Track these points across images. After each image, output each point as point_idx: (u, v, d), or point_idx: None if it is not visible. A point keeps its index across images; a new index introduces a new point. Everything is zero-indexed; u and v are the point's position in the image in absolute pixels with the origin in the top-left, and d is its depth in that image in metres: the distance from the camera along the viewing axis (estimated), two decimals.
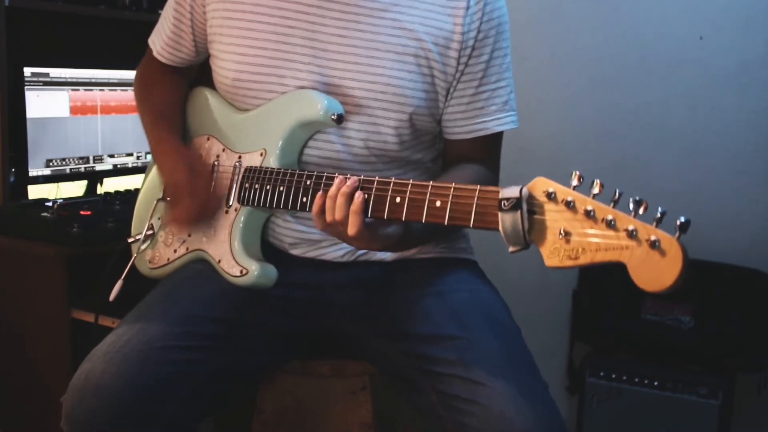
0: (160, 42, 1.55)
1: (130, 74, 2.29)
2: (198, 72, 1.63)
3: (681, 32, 2.43)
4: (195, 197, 1.37)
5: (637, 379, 2.30)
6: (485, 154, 1.43)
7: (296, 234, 1.41)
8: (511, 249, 1.03)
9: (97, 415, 1.19)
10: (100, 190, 2.29)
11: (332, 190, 1.19)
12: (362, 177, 1.20)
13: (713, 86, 2.41)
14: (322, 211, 1.20)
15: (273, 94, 1.38)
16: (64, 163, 2.16)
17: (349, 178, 1.19)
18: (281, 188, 1.31)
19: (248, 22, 1.38)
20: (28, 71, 2.06)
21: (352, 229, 1.16)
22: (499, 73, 1.39)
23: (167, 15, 1.52)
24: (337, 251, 1.42)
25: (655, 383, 2.28)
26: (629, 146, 2.50)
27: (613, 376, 2.33)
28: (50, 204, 1.94)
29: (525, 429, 1.13)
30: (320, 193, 1.21)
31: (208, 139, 1.48)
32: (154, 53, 1.57)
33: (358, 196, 1.17)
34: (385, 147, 1.38)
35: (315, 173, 1.28)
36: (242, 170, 1.39)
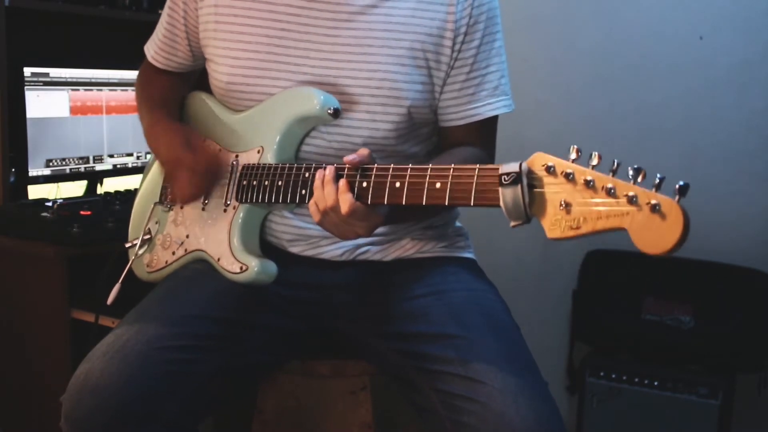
0: (154, 47, 1.57)
1: (130, 74, 2.30)
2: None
3: (681, 32, 2.44)
4: (195, 169, 1.37)
5: (637, 379, 2.31)
6: (480, 140, 1.43)
7: (294, 230, 1.41)
8: (512, 224, 1.04)
9: (96, 414, 1.19)
10: (100, 190, 2.29)
11: (316, 182, 1.22)
12: (360, 165, 1.22)
13: (713, 86, 2.41)
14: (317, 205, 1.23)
15: (267, 96, 1.38)
16: (64, 163, 2.16)
17: (327, 167, 1.22)
18: (279, 183, 1.31)
19: (240, 25, 1.39)
20: (28, 71, 2.06)
21: (344, 207, 1.18)
22: (488, 59, 1.40)
23: (162, 21, 1.54)
24: (336, 250, 1.42)
25: (655, 383, 2.28)
26: (629, 146, 2.50)
27: (613, 376, 2.33)
28: (50, 204, 1.94)
29: (524, 427, 1.13)
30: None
31: (204, 141, 1.48)
32: (149, 58, 1.58)
33: (341, 181, 1.19)
34: (384, 142, 1.38)
35: (314, 165, 1.28)
36: (239, 168, 1.39)
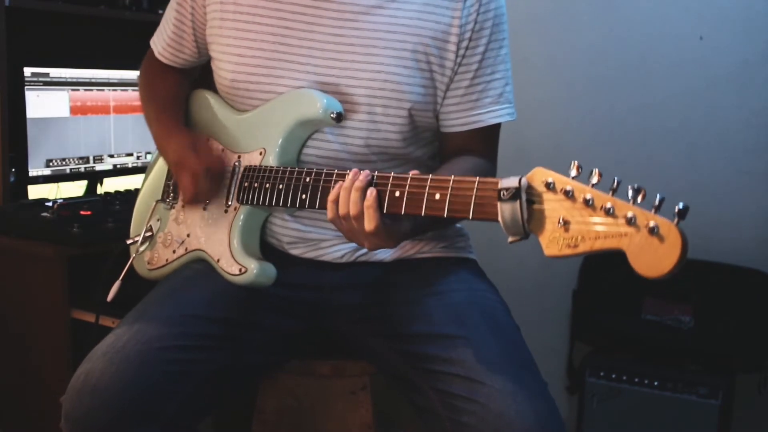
0: (162, 43, 1.56)
1: (130, 74, 2.30)
2: (200, 74, 1.64)
3: (681, 32, 2.44)
4: (197, 170, 1.37)
5: (637, 379, 2.30)
6: (482, 147, 1.43)
7: (294, 233, 1.41)
8: (510, 239, 1.03)
9: (96, 415, 1.19)
10: (100, 190, 2.29)
11: (346, 182, 1.19)
12: (361, 171, 1.21)
13: (713, 86, 2.41)
14: (336, 201, 1.20)
15: (271, 95, 1.38)
16: (64, 163, 2.16)
17: (362, 172, 1.19)
18: (280, 186, 1.31)
19: (245, 23, 1.39)
20: (28, 71, 2.06)
21: (369, 224, 1.16)
22: (494, 65, 1.39)
23: (169, 16, 1.53)
24: (336, 252, 1.42)
25: (655, 383, 2.28)
26: (629, 146, 2.50)
27: (613, 376, 2.33)
28: (50, 204, 1.94)
29: (524, 428, 1.13)
30: (339, 183, 1.20)
31: (207, 140, 1.48)
32: (156, 54, 1.58)
33: (371, 191, 1.17)
34: (385, 144, 1.38)
35: (314, 170, 1.28)
36: (241, 169, 1.39)
